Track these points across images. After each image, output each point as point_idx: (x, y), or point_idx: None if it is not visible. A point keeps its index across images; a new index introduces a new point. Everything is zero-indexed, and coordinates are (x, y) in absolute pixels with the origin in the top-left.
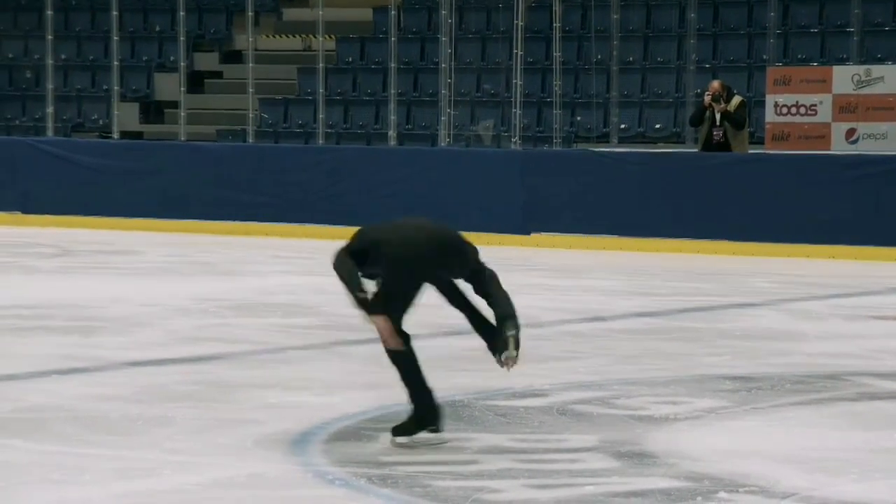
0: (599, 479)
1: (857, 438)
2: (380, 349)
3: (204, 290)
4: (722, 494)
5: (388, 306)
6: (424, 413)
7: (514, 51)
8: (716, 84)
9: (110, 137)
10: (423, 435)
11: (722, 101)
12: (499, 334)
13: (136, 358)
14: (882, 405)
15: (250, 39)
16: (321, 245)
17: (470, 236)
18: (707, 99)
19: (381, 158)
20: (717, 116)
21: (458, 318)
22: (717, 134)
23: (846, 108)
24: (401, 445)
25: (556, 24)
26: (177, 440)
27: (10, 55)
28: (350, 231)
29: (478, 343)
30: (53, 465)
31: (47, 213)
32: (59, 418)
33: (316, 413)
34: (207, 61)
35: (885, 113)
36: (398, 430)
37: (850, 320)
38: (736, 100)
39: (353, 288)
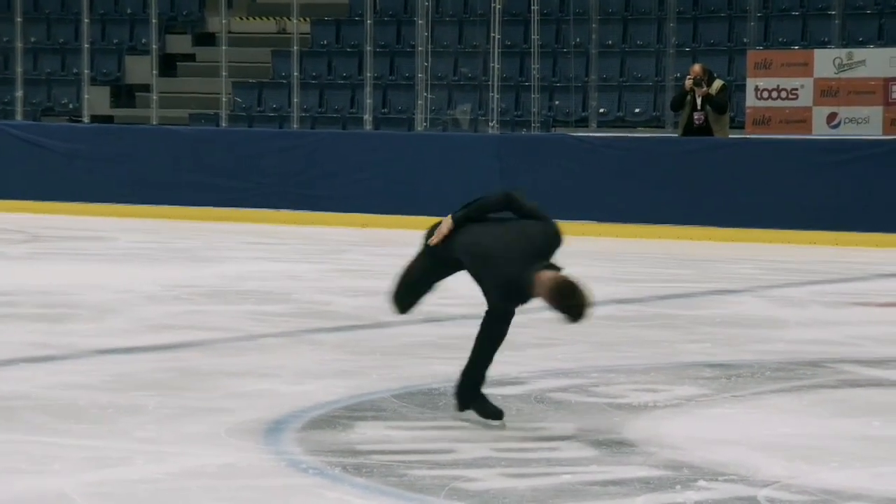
0: (577, 467)
1: (839, 426)
2: (353, 337)
3: (176, 276)
4: (701, 483)
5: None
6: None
7: (492, 34)
8: (697, 67)
9: (80, 121)
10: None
11: (703, 85)
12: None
13: (106, 345)
14: (863, 392)
15: (223, 21)
16: (295, 231)
17: None
18: (688, 83)
19: (357, 143)
20: (699, 100)
21: (434, 305)
22: (698, 118)
23: (827, 91)
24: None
25: (535, 7)
26: (148, 429)
27: None
28: (325, 217)
29: (454, 330)
30: (22, 455)
31: (16, 199)
32: (29, 407)
33: (289, 401)
34: (180, 44)
35: (867, 97)
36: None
37: (832, 307)
38: (717, 83)
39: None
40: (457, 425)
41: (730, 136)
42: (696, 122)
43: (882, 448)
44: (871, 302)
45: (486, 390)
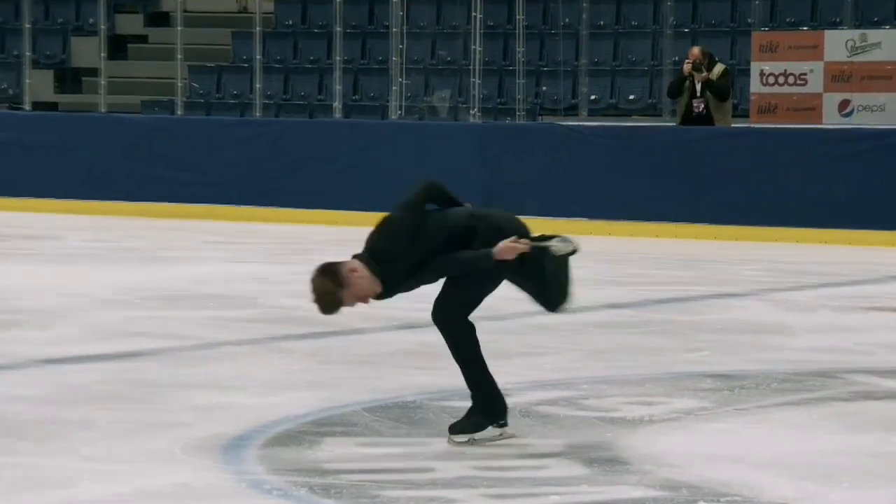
0: (566, 487)
1: (851, 442)
2: (325, 344)
3: (129, 279)
4: None
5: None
6: (491, 405)
7: (473, 13)
8: (696, 50)
9: (22, 109)
10: (488, 433)
11: (703, 69)
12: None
13: (52, 354)
14: (878, 405)
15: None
16: (259, 229)
17: None
18: (687, 67)
19: (326, 133)
20: (698, 86)
21: (411, 310)
22: (698, 105)
23: (839, 77)
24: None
25: None
26: (97, 446)
27: None
28: (291, 213)
29: (431, 337)
30: None
31: None
32: None
33: (252, 415)
34: (130, 24)
35: (882, 83)
36: (456, 429)
37: (844, 312)
38: (719, 68)
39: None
40: (435, 441)
41: (733, 125)
42: (696, 110)
43: None
44: (886, 307)
45: (466, 403)
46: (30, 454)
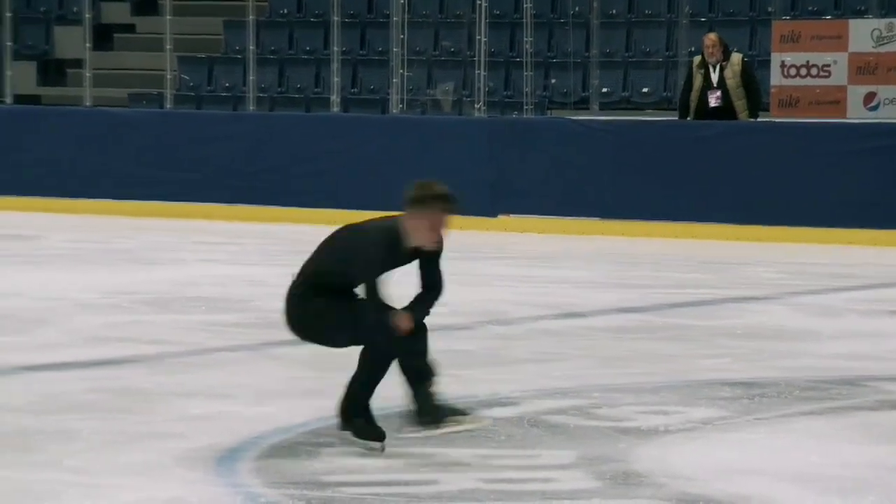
0: (577, 501)
1: (877, 453)
2: (320, 351)
3: (114, 281)
4: None
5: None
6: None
7: (478, 2)
8: (713, 36)
9: (2, 102)
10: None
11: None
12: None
13: (34, 361)
14: None
15: None
16: (252, 228)
17: None
18: (696, 61)
19: (323, 127)
20: (714, 77)
21: None
22: (716, 98)
23: (864, 68)
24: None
25: None
26: (81, 458)
27: None
28: (286, 213)
29: (434, 344)
30: None
31: None
32: None
33: (246, 425)
34: (117, 13)
35: None
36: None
37: (870, 316)
38: (736, 57)
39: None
40: (439, 452)
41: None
42: (713, 103)
43: None
44: None
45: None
46: (9, 467)
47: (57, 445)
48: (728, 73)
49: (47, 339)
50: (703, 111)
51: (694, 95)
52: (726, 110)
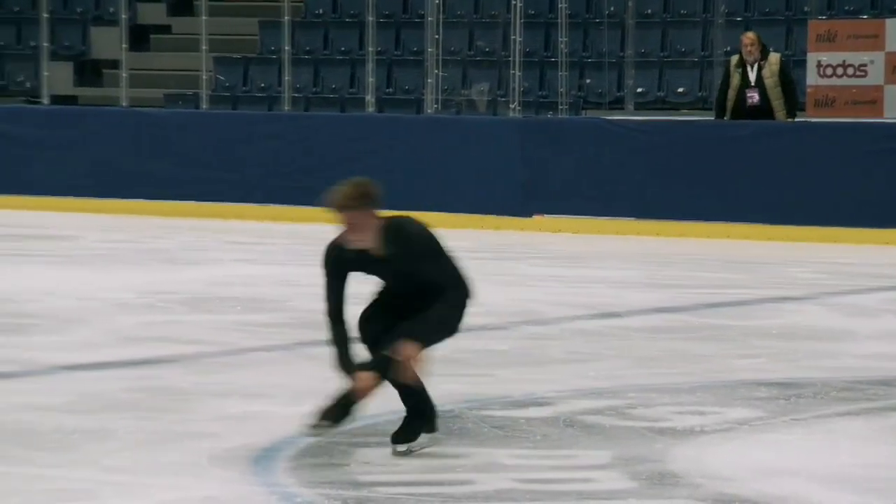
0: (613, 501)
1: None
2: (356, 350)
3: (150, 281)
4: None
5: None
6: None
7: (513, 2)
8: (751, 35)
9: (39, 103)
10: (422, 439)
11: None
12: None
13: (71, 361)
14: None
15: None
16: (287, 229)
17: (463, 218)
18: (734, 60)
19: (358, 127)
20: (752, 75)
21: None
22: (752, 97)
23: None
24: (399, 455)
25: None
26: (118, 457)
27: None
28: (319, 213)
29: (468, 344)
30: None
31: None
32: None
33: (282, 425)
34: (153, 13)
35: None
36: (399, 437)
37: None
38: (774, 57)
39: None
40: (474, 452)
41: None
42: (750, 102)
43: None
44: None
45: (506, 413)
46: (48, 466)
47: (93, 444)
48: (766, 72)
49: (83, 339)
50: (741, 111)
51: (731, 94)
52: (764, 110)
